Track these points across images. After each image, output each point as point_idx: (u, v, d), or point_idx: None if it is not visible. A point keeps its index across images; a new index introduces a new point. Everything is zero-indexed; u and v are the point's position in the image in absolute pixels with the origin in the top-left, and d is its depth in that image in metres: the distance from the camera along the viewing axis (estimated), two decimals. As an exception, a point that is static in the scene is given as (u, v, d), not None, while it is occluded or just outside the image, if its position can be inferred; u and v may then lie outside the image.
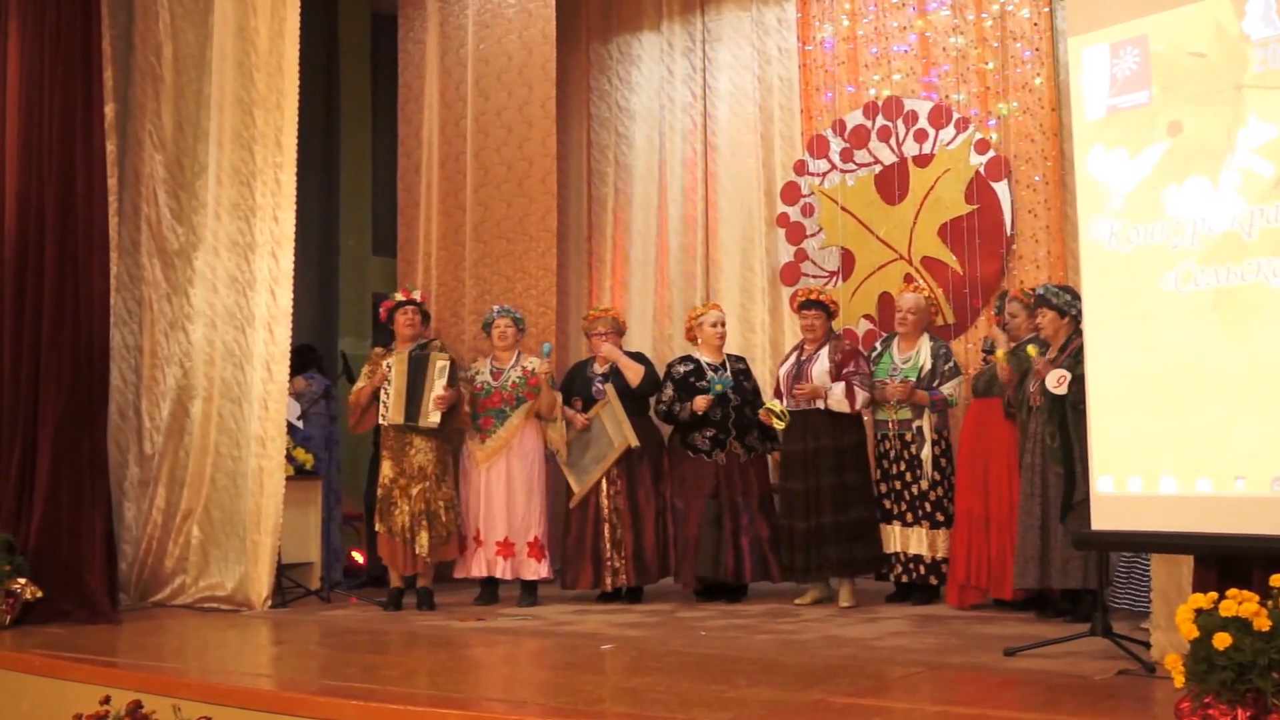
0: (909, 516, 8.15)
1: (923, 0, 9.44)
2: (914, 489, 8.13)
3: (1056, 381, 6.73)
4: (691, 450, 8.60)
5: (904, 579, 8.22)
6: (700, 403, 8.47)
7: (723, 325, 8.78)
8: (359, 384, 8.70)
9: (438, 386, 8.46)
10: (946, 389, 8.07)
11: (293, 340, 8.76)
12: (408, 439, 8.47)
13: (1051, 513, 7.01)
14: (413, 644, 7.17)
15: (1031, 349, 7.07)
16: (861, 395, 8.16)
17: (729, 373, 8.59)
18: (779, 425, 8.29)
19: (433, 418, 8.45)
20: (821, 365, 8.26)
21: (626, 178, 10.99)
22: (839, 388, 8.15)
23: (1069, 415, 6.53)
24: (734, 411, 8.55)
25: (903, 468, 8.18)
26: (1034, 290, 7.86)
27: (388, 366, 8.51)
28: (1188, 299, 5.13)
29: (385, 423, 8.49)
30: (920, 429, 8.08)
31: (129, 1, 9.45)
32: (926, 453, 8.06)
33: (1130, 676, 5.40)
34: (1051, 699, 5.05)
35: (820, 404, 8.18)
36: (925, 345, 8.24)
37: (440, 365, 8.51)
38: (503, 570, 8.62)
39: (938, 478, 8.08)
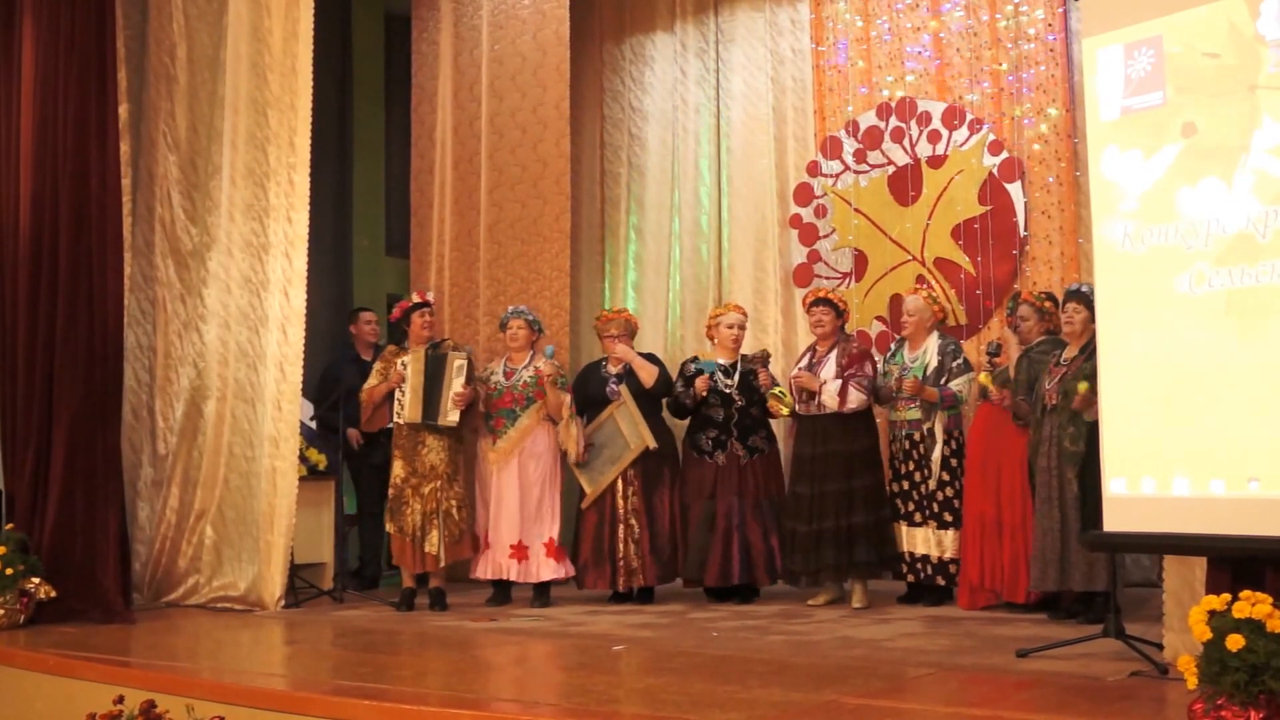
0: (917, 516, 8.15)
1: (936, 1, 9.43)
2: (922, 489, 8.12)
3: (1085, 406, 6.73)
4: (697, 451, 8.64)
5: (910, 579, 8.23)
6: (700, 383, 8.51)
7: (739, 328, 8.76)
8: (370, 382, 8.70)
9: (456, 384, 8.46)
10: (955, 385, 8.04)
11: (305, 341, 8.77)
12: (420, 438, 8.47)
13: (1070, 515, 7.00)
14: (425, 644, 7.17)
15: (984, 377, 7.14)
16: (856, 396, 8.14)
17: (738, 374, 8.58)
18: (784, 412, 8.31)
19: (451, 416, 8.44)
20: (829, 369, 8.27)
21: (639, 179, 10.98)
22: (834, 384, 8.15)
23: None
24: (737, 413, 8.55)
25: (911, 467, 8.17)
26: (1049, 293, 7.87)
27: (403, 365, 8.49)
28: (1201, 300, 5.12)
29: (401, 421, 8.47)
30: (931, 430, 8.08)
31: (143, 2, 9.46)
32: (937, 454, 8.04)
33: (1143, 678, 5.40)
34: (1064, 700, 5.04)
35: (816, 400, 8.19)
36: (933, 344, 8.23)
37: (458, 364, 8.52)
38: (516, 573, 8.61)
39: (947, 478, 8.07)
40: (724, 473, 8.53)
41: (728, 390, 8.55)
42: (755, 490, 8.53)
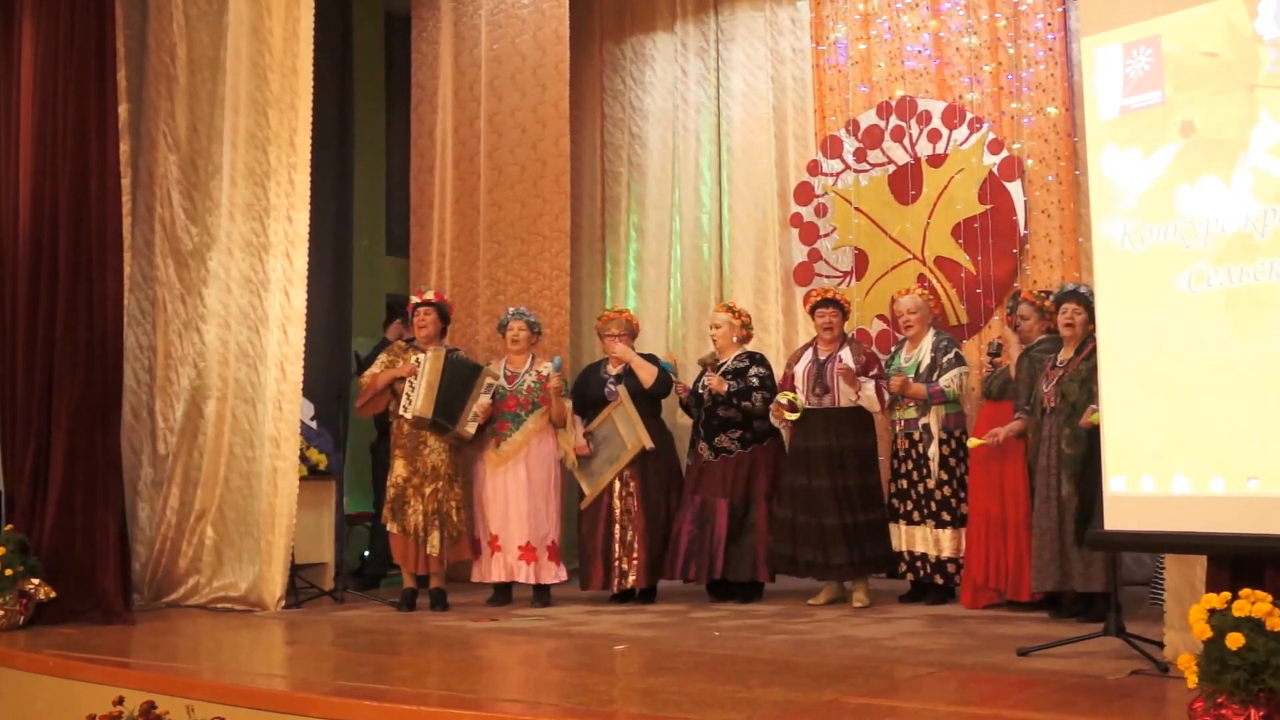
0: (915, 515, 8.14)
1: (936, 1, 9.44)
2: (920, 487, 8.12)
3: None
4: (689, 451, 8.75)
5: (910, 577, 8.22)
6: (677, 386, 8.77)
7: (714, 327, 8.80)
8: (374, 369, 8.69)
9: (483, 400, 8.48)
10: (944, 381, 8.02)
11: (305, 341, 8.76)
12: (421, 438, 8.46)
13: (1066, 516, 7.00)
14: (426, 645, 7.17)
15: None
16: (886, 397, 8.17)
17: (724, 369, 8.55)
18: (791, 417, 8.19)
19: (470, 427, 8.45)
20: (847, 365, 8.23)
21: (640, 178, 11.00)
22: (871, 386, 8.13)
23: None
24: (704, 413, 8.58)
25: (910, 466, 8.17)
26: (1049, 291, 7.85)
27: (418, 361, 8.47)
28: (1200, 299, 5.12)
29: (407, 415, 8.40)
30: (928, 427, 8.07)
31: (143, 2, 9.47)
32: (934, 451, 8.04)
33: (1144, 676, 5.40)
34: (1065, 699, 5.04)
35: (853, 395, 8.15)
36: (927, 341, 8.23)
37: (490, 383, 8.53)
38: (526, 575, 8.60)
39: (945, 477, 8.06)
40: (689, 472, 8.66)
41: (701, 391, 8.57)
42: (711, 490, 8.50)
